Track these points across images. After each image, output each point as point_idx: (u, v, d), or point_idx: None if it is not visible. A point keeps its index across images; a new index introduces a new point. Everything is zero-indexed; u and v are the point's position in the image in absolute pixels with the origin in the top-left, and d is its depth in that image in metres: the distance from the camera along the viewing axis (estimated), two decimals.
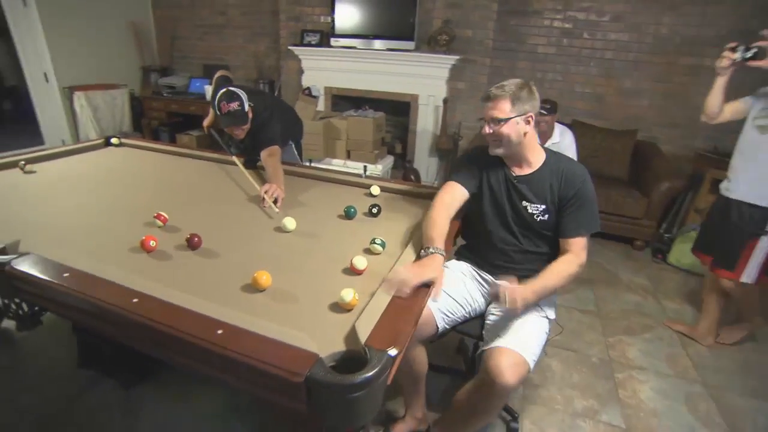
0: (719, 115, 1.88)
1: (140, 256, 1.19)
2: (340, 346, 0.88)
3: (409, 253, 1.27)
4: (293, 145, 2.45)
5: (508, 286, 1.15)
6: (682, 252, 2.95)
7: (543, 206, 1.30)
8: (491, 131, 1.27)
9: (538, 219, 1.31)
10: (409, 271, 1.07)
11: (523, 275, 1.37)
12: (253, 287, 1.06)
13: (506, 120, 1.24)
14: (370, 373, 0.77)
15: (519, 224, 1.35)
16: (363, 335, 0.87)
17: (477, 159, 1.42)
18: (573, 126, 3.58)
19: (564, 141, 2.93)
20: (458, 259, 1.57)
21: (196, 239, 1.25)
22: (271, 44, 4.61)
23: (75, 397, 1.61)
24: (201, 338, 0.84)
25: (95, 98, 4.25)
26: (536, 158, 1.33)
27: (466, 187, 1.39)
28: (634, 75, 3.57)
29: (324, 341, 0.88)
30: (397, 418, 1.58)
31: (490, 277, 1.45)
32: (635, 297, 2.60)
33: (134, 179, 1.86)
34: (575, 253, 1.27)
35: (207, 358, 0.86)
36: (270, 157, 1.88)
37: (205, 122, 2.38)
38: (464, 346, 2.00)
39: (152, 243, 1.22)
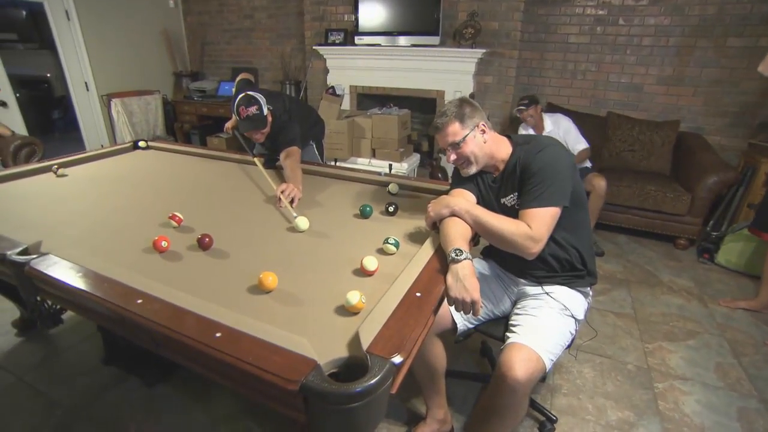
0: None
1: (152, 257, 1.20)
2: (342, 352, 0.83)
3: (426, 251, 1.21)
4: (314, 145, 2.44)
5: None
6: (732, 251, 2.72)
7: (516, 193, 1.25)
8: (456, 156, 1.28)
9: (516, 207, 1.25)
10: (475, 290, 1.02)
11: (543, 275, 1.30)
12: (259, 289, 1.04)
13: (463, 139, 1.25)
14: (370, 383, 0.72)
15: None
16: (366, 341, 0.82)
17: None
18: (608, 117, 3.40)
19: (559, 129, 2.83)
20: (483, 258, 1.50)
21: (207, 240, 1.24)
22: (296, 45, 4.65)
23: (100, 393, 1.65)
24: (198, 341, 0.81)
25: (131, 104, 4.43)
26: (505, 154, 1.30)
27: (472, 192, 1.35)
28: (676, 61, 3.33)
29: (326, 347, 0.83)
30: (420, 418, 1.52)
31: (514, 276, 1.38)
32: (678, 300, 2.41)
33: (156, 181, 1.90)
34: (528, 224, 1.14)
35: (205, 361, 0.84)
36: (289, 157, 1.87)
37: (228, 124, 2.41)
38: (487, 348, 1.91)
39: (164, 243, 1.22)
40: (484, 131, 1.28)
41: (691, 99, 3.36)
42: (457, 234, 1.16)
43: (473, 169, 1.31)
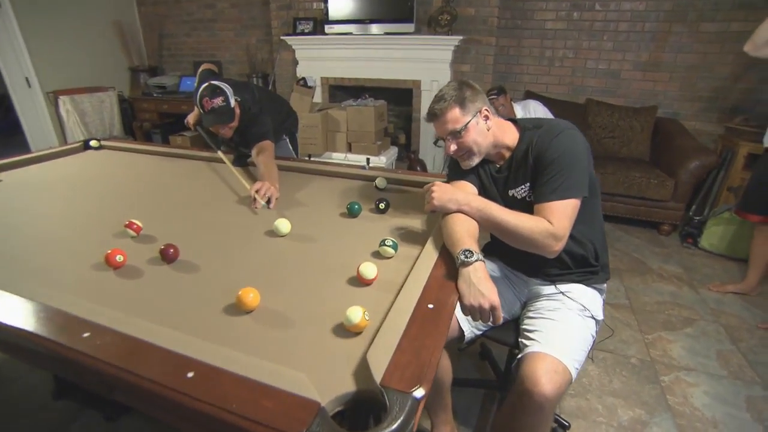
0: (766, 47, 1.87)
1: (104, 275, 0.99)
2: (348, 386, 0.67)
3: (429, 253, 1.06)
4: (287, 140, 2.25)
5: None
6: (715, 235, 2.72)
7: (528, 184, 1.13)
8: (456, 147, 1.14)
9: (528, 199, 1.13)
10: (492, 294, 0.89)
11: (557, 273, 1.18)
12: (239, 309, 0.86)
13: (465, 127, 1.10)
14: (392, 429, 0.56)
15: None
16: (378, 371, 0.66)
17: None
18: (587, 104, 3.37)
19: (529, 113, 2.79)
20: (486, 257, 1.37)
21: (172, 251, 1.05)
22: (262, 36, 4.40)
23: None
24: (164, 384, 0.64)
25: (82, 102, 4.06)
26: (512, 140, 1.16)
27: (473, 184, 1.22)
28: (652, 47, 3.31)
29: (327, 380, 0.67)
30: None
31: (523, 275, 1.25)
32: (669, 287, 2.37)
33: (110, 184, 1.66)
34: (548, 219, 1.01)
35: (175, 410, 0.66)
36: (261, 153, 1.68)
37: (189, 118, 2.18)
38: (487, 350, 1.80)
39: (119, 258, 1.02)
40: (487, 117, 1.13)
41: (667, 84, 3.36)
42: (464, 232, 1.02)
43: (475, 161, 1.17)
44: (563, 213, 1.00)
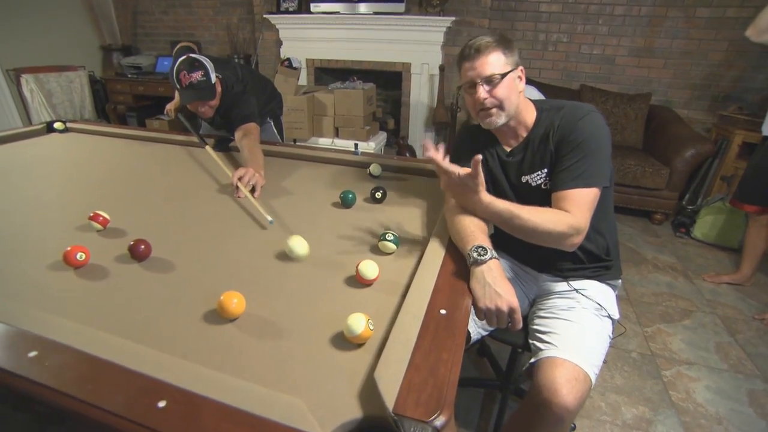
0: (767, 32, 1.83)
1: (61, 277, 0.86)
2: (353, 412, 0.56)
3: (435, 249, 0.95)
4: (272, 123, 2.10)
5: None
6: (708, 225, 2.69)
7: (546, 170, 1.02)
8: (487, 95, 0.97)
9: (544, 187, 1.03)
10: (510, 295, 0.80)
11: (569, 268, 1.09)
12: (220, 316, 0.74)
13: (504, 75, 0.96)
14: None
15: (529, 204, 1.01)
16: (389, 395, 0.55)
17: (471, 139, 1.14)
18: (582, 90, 3.30)
19: None
20: None
21: (143, 247, 0.92)
22: (244, 14, 4.16)
23: None
24: (129, 419, 0.52)
25: (48, 81, 3.78)
26: (530, 119, 1.05)
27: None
28: (647, 32, 3.23)
29: (327, 405, 0.57)
30: None
31: (532, 270, 1.16)
32: (665, 277, 2.34)
33: (74, 171, 1.50)
34: (568, 209, 0.92)
35: None
36: (246, 136, 1.54)
37: (170, 105, 2.02)
38: (485, 346, 1.72)
39: (80, 256, 0.88)
40: (521, 78, 1.01)
41: (661, 71, 3.30)
42: (475, 227, 0.92)
43: (502, 119, 1.01)
44: (585, 203, 0.91)
